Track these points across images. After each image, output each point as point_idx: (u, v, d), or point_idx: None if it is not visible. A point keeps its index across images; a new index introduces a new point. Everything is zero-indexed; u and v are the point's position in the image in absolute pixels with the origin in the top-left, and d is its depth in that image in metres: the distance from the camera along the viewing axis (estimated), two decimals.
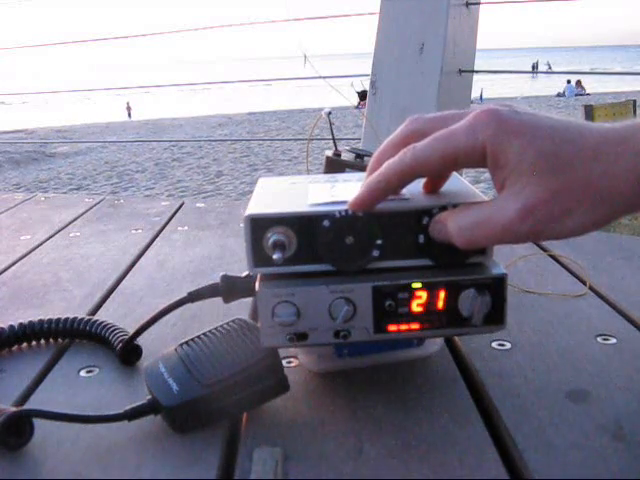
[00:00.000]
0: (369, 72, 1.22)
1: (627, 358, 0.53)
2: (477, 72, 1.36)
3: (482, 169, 0.37)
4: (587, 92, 16.27)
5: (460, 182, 0.48)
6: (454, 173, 0.51)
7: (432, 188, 0.44)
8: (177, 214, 1.11)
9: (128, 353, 0.53)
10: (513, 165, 0.35)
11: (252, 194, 0.47)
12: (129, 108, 13.03)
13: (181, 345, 0.47)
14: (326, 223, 0.40)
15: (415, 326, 0.41)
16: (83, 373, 0.52)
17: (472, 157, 0.36)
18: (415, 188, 0.45)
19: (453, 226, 0.38)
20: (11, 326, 0.57)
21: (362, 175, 0.52)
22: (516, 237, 0.36)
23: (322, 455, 0.40)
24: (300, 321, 0.41)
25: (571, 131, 0.35)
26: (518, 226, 0.35)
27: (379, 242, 0.40)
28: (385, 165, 0.39)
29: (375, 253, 0.41)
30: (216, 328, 0.47)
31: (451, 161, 0.37)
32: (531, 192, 0.34)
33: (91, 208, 1.17)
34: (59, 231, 1.01)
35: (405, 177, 0.38)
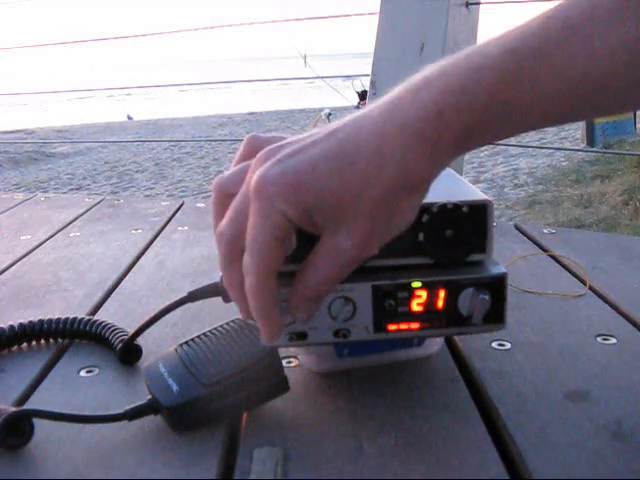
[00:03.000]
0: (369, 72, 1.22)
1: (627, 358, 0.53)
2: None
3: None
4: None
5: (460, 181, 0.48)
6: (452, 171, 0.51)
7: None
8: (177, 214, 1.11)
9: (128, 353, 0.53)
10: (321, 224, 0.34)
11: None
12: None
13: (181, 345, 0.47)
14: None
15: (415, 325, 0.41)
16: (83, 373, 0.52)
17: (293, 225, 0.34)
18: None
19: (302, 299, 0.37)
20: (11, 326, 0.57)
21: None
22: (363, 260, 0.36)
23: (322, 455, 0.40)
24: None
25: (346, 153, 0.34)
26: (353, 262, 0.35)
27: None
28: (252, 299, 0.37)
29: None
30: (216, 328, 0.47)
31: (281, 242, 0.35)
32: (349, 236, 0.34)
33: (91, 208, 1.17)
34: (59, 231, 1.01)
35: (271, 288, 0.36)
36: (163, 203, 1.20)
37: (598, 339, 0.56)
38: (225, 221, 0.37)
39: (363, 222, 0.34)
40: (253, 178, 0.34)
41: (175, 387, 0.43)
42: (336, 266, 0.35)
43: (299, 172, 0.33)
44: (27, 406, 0.47)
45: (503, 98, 0.32)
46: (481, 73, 0.32)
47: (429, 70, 0.34)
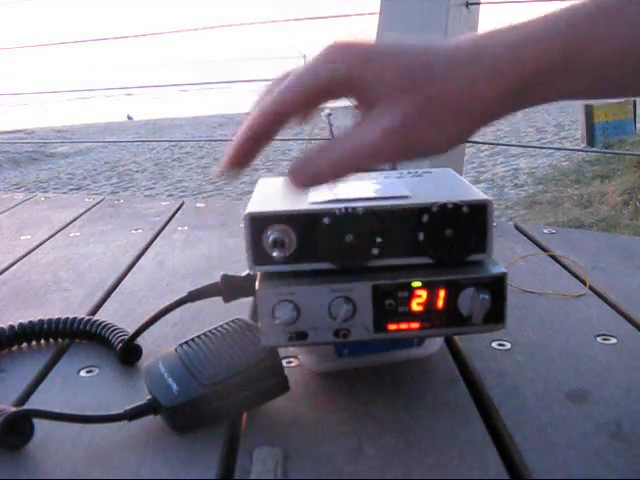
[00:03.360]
0: None
1: (627, 358, 0.53)
2: None
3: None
4: None
5: (460, 181, 0.48)
6: (452, 171, 0.51)
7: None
8: (177, 214, 1.11)
9: (128, 353, 0.53)
10: (371, 92, 0.35)
11: (252, 194, 0.47)
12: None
13: (181, 345, 0.46)
14: (326, 221, 0.40)
15: (415, 325, 0.41)
16: (83, 373, 0.52)
17: (332, 88, 0.36)
18: (415, 186, 0.46)
19: (326, 158, 0.36)
20: (11, 326, 0.57)
21: (362, 175, 0.52)
22: (386, 155, 0.36)
23: (322, 455, 0.40)
24: (300, 320, 0.41)
25: (427, 48, 0.36)
26: (386, 144, 0.35)
27: (379, 240, 0.40)
28: (250, 118, 0.37)
29: (375, 251, 0.41)
30: (216, 328, 0.47)
31: (314, 94, 0.36)
32: (393, 111, 0.35)
33: (91, 208, 1.17)
34: (59, 231, 1.01)
35: (273, 121, 0.37)
36: (163, 203, 1.20)
37: (598, 339, 0.56)
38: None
39: (409, 111, 0.34)
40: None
41: (175, 387, 0.43)
42: (367, 142, 0.35)
43: (367, 50, 0.35)
44: (27, 406, 0.47)
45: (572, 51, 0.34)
46: (555, 23, 0.34)
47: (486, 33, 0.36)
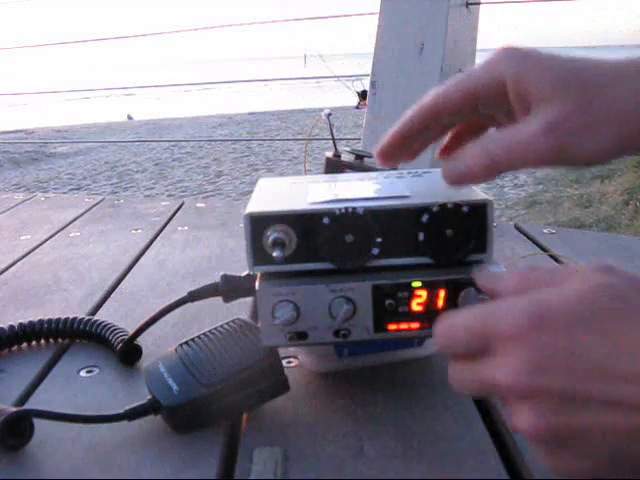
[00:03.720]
0: (369, 72, 1.22)
1: None
2: None
3: None
4: None
5: None
6: None
7: (456, 139, 0.44)
8: (177, 214, 1.11)
9: (128, 353, 0.53)
10: (535, 91, 0.36)
11: (252, 194, 0.47)
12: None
13: (181, 345, 0.46)
14: (326, 221, 0.40)
15: (415, 325, 0.41)
16: (83, 373, 0.52)
17: (492, 91, 0.37)
18: (415, 186, 0.46)
19: (480, 153, 0.37)
20: (11, 326, 0.57)
21: (362, 175, 0.52)
22: (541, 154, 0.36)
23: (322, 455, 0.40)
24: (300, 320, 0.41)
25: (592, 59, 0.37)
26: (543, 140, 0.35)
27: (379, 240, 0.40)
28: (408, 110, 0.40)
29: (375, 251, 0.41)
30: (216, 328, 0.47)
31: (471, 96, 0.38)
32: (554, 109, 0.35)
33: (91, 208, 1.17)
34: (59, 231, 1.01)
35: (427, 116, 0.39)
36: (163, 203, 1.20)
37: None
38: None
39: (570, 109, 0.35)
40: None
41: (175, 387, 0.43)
42: (526, 136, 0.35)
43: (532, 53, 0.36)
44: (27, 406, 0.47)
45: None
46: None
47: None
